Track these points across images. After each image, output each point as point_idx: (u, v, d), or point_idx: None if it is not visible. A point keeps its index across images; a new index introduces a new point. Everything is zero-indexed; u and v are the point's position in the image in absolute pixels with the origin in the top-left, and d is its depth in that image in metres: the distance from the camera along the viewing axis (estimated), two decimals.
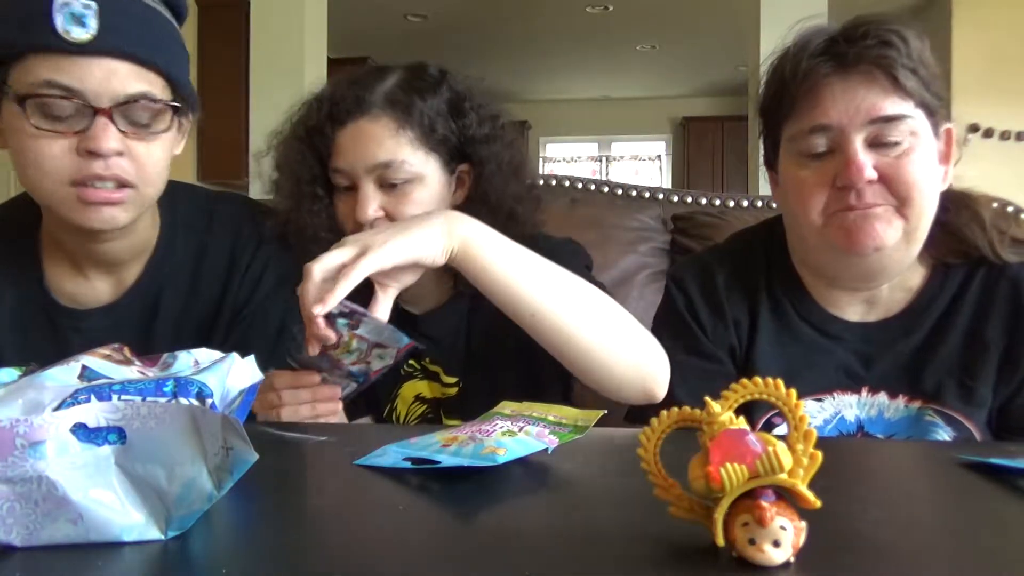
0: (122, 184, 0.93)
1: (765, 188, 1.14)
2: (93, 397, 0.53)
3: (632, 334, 0.93)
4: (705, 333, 1.03)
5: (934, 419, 0.95)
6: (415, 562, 0.44)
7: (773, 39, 0.98)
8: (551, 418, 0.73)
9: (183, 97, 0.97)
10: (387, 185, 1.06)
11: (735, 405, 0.43)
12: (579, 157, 10.60)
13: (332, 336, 0.84)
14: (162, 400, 0.57)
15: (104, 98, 0.89)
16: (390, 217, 1.07)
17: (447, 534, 0.50)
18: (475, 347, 1.16)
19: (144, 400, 0.55)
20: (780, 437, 0.42)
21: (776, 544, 0.40)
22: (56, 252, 1.04)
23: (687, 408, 0.43)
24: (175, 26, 0.98)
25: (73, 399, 0.53)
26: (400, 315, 1.20)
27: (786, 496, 0.41)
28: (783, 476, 0.40)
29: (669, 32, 7.27)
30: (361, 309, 0.85)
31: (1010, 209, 1.30)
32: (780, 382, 0.42)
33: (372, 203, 1.06)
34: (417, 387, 1.18)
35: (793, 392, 0.42)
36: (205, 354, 0.70)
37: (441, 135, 1.08)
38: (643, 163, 10.45)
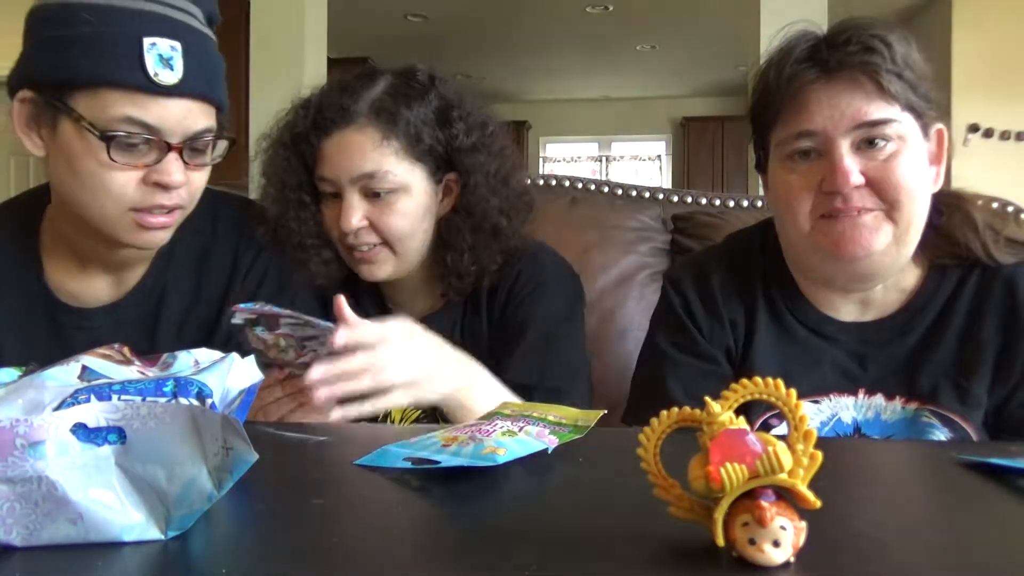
0: (174, 207, 0.97)
1: (763, 188, 1.14)
2: (93, 397, 0.53)
3: None
4: (702, 334, 1.03)
5: (931, 420, 0.95)
6: (415, 562, 0.44)
7: (771, 38, 0.98)
8: (551, 418, 0.73)
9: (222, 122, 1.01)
10: (372, 195, 1.06)
11: (735, 405, 0.43)
12: (579, 157, 10.60)
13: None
14: (162, 400, 0.57)
15: (177, 135, 0.93)
16: (374, 226, 1.07)
17: (447, 534, 0.50)
18: (468, 352, 1.17)
19: (144, 400, 0.55)
20: (780, 437, 0.42)
21: (776, 544, 0.40)
22: (60, 250, 1.04)
23: (687, 408, 0.43)
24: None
25: (73, 399, 0.53)
26: None
27: (786, 496, 0.41)
28: (783, 476, 0.40)
29: (669, 32, 7.27)
30: (276, 310, 0.85)
31: (1010, 209, 1.30)
32: (780, 382, 0.42)
33: (356, 213, 1.06)
34: None
35: (793, 392, 0.42)
36: (205, 354, 0.70)
37: (427, 145, 1.08)
38: (643, 163, 10.45)
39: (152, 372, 0.65)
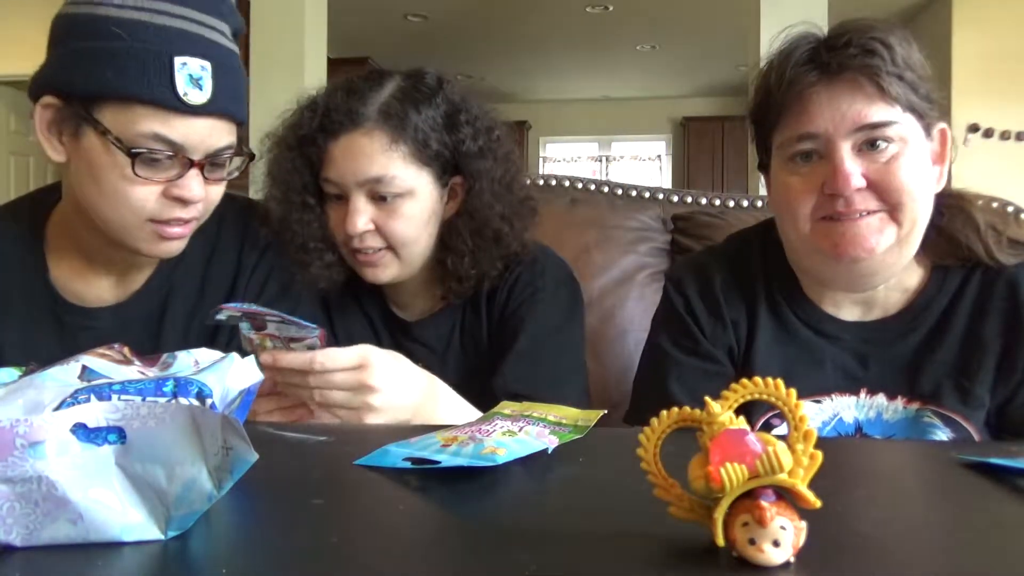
0: (191, 219, 0.98)
1: (765, 188, 1.14)
2: (93, 397, 0.53)
3: None
4: (703, 334, 1.03)
5: (932, 420, 0.95)
6: (415, 562, 0.44)
7: (772, 39, 0.98)
8: (551, 418, 0.73)
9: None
10: (378, 199, 1.06)
11: (735, 405, 0.43)
12: (579, 157, 10.61)
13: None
14: (162, 400, 0.57)
15: (199, 152, 0.94)
16: (380, 230, 1.07)
17: (447, 534, 0.50)
18: (468, 354, 1.17)
19: (144, 400, 0.55)
20: (780, 437, 0.42)
21: (776, 544, 0.40)
22: (66, 250, 1.04)
23: (687, 408, 0.43)
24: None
25: (73, 399, 0.53)
26: (393, 321, 1.20)
27: (786, 496, 0.41)
28: (783, 476, 0.40)
29: (669, 32, 7.27)
30: (263, 310, 0.85)
31: (1010, 209, 1.30)
32: (780, 382, 0.42)
33: (362, 216, 1.06)
34: None
35: (793, 392, 0.42)
36: (205, 354, 0.70)
37: (434, 149, 1.08)
38: (643, 163, 10.45)
39: (152, 372, 0.65)
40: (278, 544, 0.46)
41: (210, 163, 0.96)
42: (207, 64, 0.91)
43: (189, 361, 0.68)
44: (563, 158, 10.57)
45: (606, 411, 0.76)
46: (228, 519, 0.49)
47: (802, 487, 0.40)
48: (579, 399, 1.09)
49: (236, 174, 1.02)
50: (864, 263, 0.92)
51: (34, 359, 0.65)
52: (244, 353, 0.81)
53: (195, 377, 0.60)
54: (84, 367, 0.60)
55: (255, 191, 1.15)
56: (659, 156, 10.41)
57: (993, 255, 0.95)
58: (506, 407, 0.80)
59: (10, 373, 0.63)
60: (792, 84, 0.91)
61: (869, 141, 0.89)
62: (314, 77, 4.51)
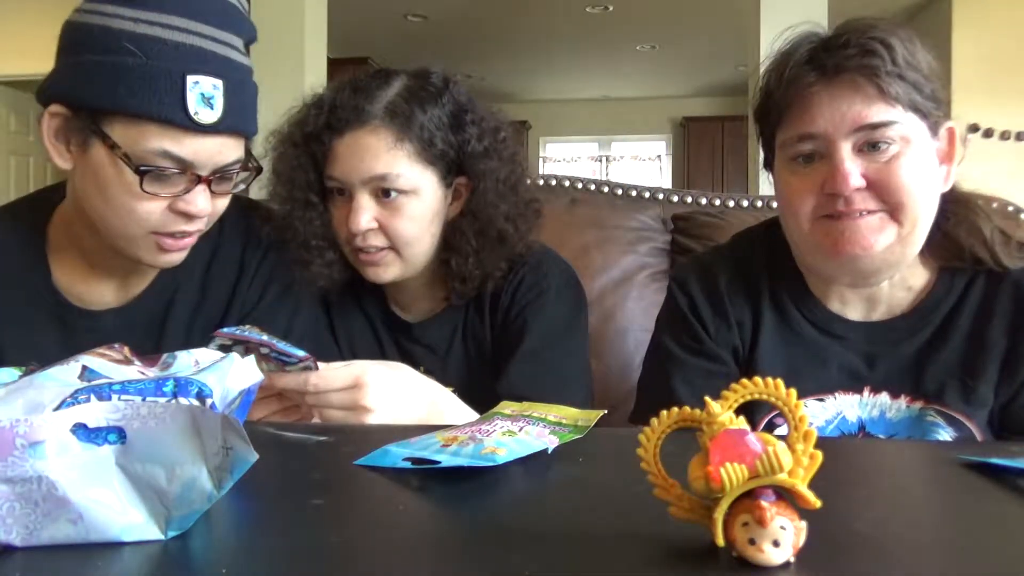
0: (195, 231, 0.98)
1: (765, 188, 1.14)
2: (93, 397, 0.53)
3: None
4: (708, 334, 1.03)
5: (935, 419, 0.95)
6: (415, 562, 0.44)
7: (773, 39, 0.98)
8: (551, 418, 0.73)
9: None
10: (382, 197, 1.06)
11: (735, 405, 0.43)
12: (579, 157, 10.61)
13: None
14: (162, 400, 0.57)
15: (208, 168, 0.94)
16: (383, 228, 1.07)
17: (447, 534, 0.50)
18: (470, 355, 1.16)
19: (144, 400, 0.55)
20: (780, 437, 0.42)
21: (776, 544, 0.40)
22: (69, 253, 1.04)
23: (687, 408, 0.43)
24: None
25: (73, 399, 0.53)
26: (395, 322, 1.20)
27: (786, 496, 0.41)
28: (783, 476, 0.40)
29: (669, 32, 7.27)
30: (255, 338, 0.85)
31: (1010, 209, 1.30)
32: (780, 382, 0.42)
33: (366, 214, 1.06)
34: None
35: (793, 392, 0.42)
36: (205, 354, 0.70)
37: (440, 149, 1.08)
38: (643, 163, 10.45)
39: (152, 372, 0.65)
40: (278, 544, 0.46)
41: (218, 179, 0.96)
42: (219, 83, 0.91)
43: (189, 361, 0.68)
44: (563, 158, 10.57)
45: (606, 411, 0.76)
46: (228, 519, 0.49)
47: (802, 487, 0.40)
48: (583, 401, 1.09)
49: (243, 187, 1.03)
50: (864, 261, 0.92)
51: (36, 361, 0.65)
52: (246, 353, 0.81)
53: (195, 377, 0.60)
54: (84, 367, 0.60)
55: (258, 189, 1.15)
56: (659, 156, 10.41)
57: (1000, 261, 0.95)
58: (506, 407, 0.80)
59: (10, 373, 0.63)
60: (792, 84, 0.92)
61: (869, 142, 0.89)
62: (314, 77, 4.51)
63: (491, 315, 1.15)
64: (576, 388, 1.11)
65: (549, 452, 0.64)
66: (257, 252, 1.10)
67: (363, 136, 1.05)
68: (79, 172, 0.95)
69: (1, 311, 1.01)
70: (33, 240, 1.04)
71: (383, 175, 1.04)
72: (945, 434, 0.95)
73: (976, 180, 1.01)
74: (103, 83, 0.88)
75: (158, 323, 1.06)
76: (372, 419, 0.87)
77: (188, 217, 0.95)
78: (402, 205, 1.06)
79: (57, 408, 0.51)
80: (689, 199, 1.63)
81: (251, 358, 0.70)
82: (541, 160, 10.38)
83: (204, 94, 0.90)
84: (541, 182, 1.66)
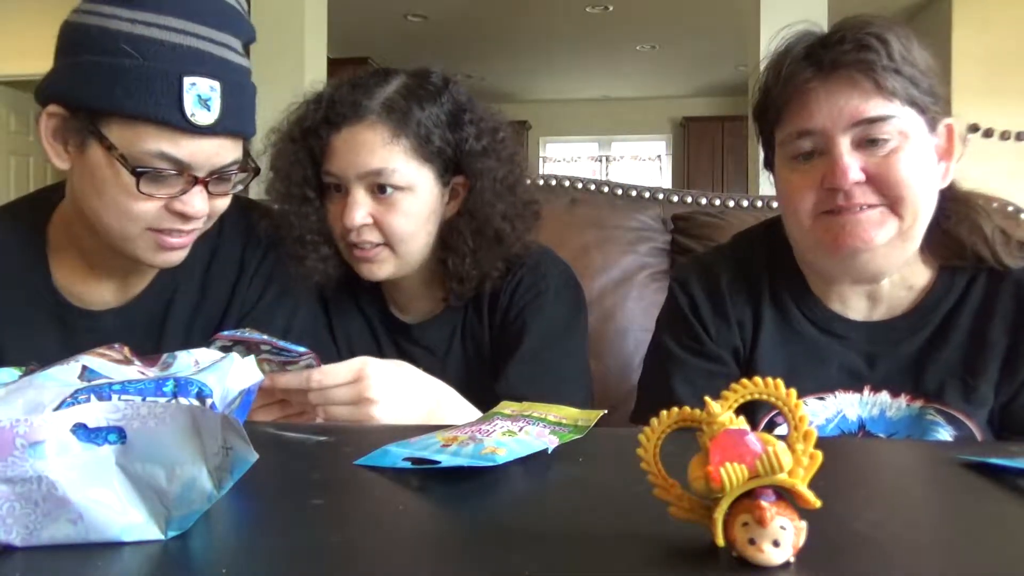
0: (193, 230, 0.98)
1: (765, 188, 1.14)
2: (93, 397, 0.53)
3: None
4: (709, 334, 1.03)
5: (935, 418, 0.95)
6: (415, 562, 0.44)
7: (771, 39, 0.99)
8: (551, 418, 0.73)
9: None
10: (378, 193, 1.06)
11: (735, 405, 0.43)
12: (579, 157, 10.61)
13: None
14: (162, 400, 0.57)
15: (205, 169, 0.94)
16: (378, 224, 1.07)
17: (447, 534, 0.50)
18: (469, 356, 1.16)
19: (144, 400, 0.55)
20: (780, 437, 0.42)
21: (776, 544, 0.40)
22: (68, 253, 1.04)
23: (687, 408, 0.43)
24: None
25: (73, 399, 0.53)
26: (393, 324, 1.20)
27: (786, 496, 0.41)
28: (783, 476, 0.40)
29: (669, 32, 7.27)
30: (255, 337, 0.85)
31: (1010, 209, 1.30)
32: (780, 382, 0.42)
33: (361, 209, 1.06)
34: None
35: (793, 392, 0.42)
36: (205, 354, 0.70)
37: (437, 147, 1.08)
38: (643, 163, 10.45)
39: (152, 372, 0.65)
40: (278, 544, 0.46)
41: (215, 180, 0.96)
42: (216, 84, 0.91)
43: (189, 361, 0.68)
44: (563, 158, 10.56)
45: (606, 411, 0.76)
46: (228, 519, 0.49)
47: (802, 487, 0.40)
48: (583, 401, 1.09)
49: (241, 187, 1.03)
50: (864, 255, 0.92)
51: (36, 361, 0.65)
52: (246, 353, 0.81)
53: (195, 377, 0.60)
54: (84, 367, 0.60)
55: (257, 188, 1.15)
56: (659, 156, 10.41)
57: (1001, 260, 0.95)
58: (506, 407, 0.80)
59: (10, 373, 0.63)
60: (789, 81, 0.92)
61: (867, 136, 0.89)
62: (314, 77, 4.51)
63: (490, 316, 1.15)
64: (575, 388, 1.11)
65: (549, 452, 0.64)
66: (257, 252, 1.10)
67: (360, 131, 1.05)
68: (77, 172, 0.95)
69: (1, 311, 1.01)
70: (33, 240, 1.04)
71: (378, 170, 1.05)
72: (945, 433, 0.95)
73: (976, 180, 1.01)
74: (100, 84, 0.88)
75: (158, 323, 1.06)
76: (376, 411, 0.87)
77: (185, 218, 0.95)
78: (397, 201, 1.06)
79: (57, 408, 0.51)
80: (689, 199, 1.63)
81: (251, 358, 0.70)
82: (541, 160, 10.37)
83: (201, 95, 0.90)
84: (541, 182, 1.66)
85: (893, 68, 0.88)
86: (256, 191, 1.17)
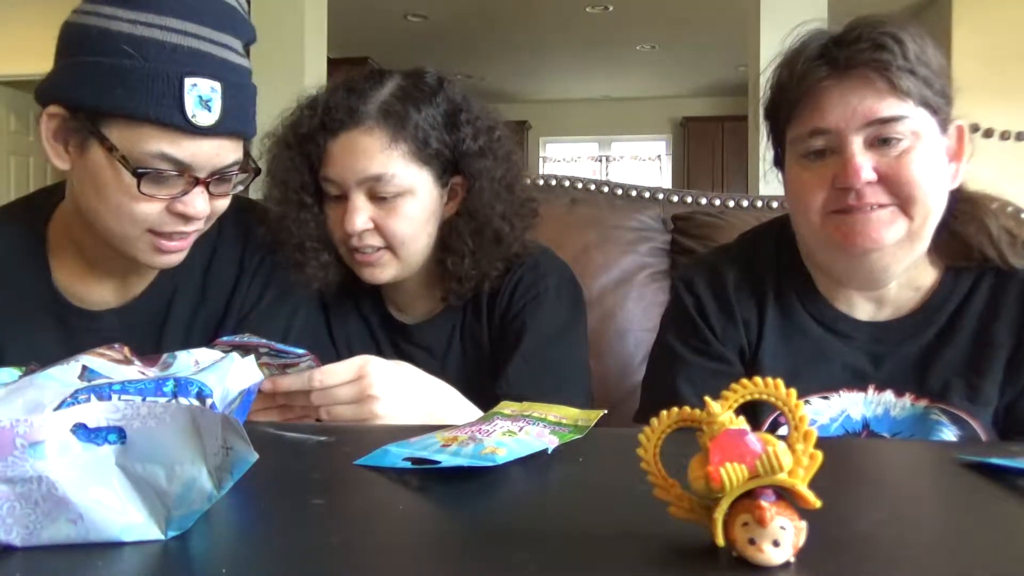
0: (193, 232, 0.98)
1: (765, 188, 1.14)
2: (93, 397, 0.53)
3: None
4: (714, 334, 1.03)
5: (939, 418, 0.95)
6: (415, 562, 0.44)
7: (773, 39, 0.99)
8: (551, 418, 0.73)
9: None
10: (377, 197, 1.06)
11: (735, 405, 0.43)
12: (579, 157, 10.61)
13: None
14: (162, 400, 0.57)
15: (206, 170, 0.94)
16: (379, 229, 1.07)
17: (447, 534, 0.50)
18: (468, 357, 1.16)
19: (144, 400, 0.55)
20: (781, 437, 0.42)
21: (776, 544, 0.40)
22: (68, 253, 1.04)
23: (687, 408, 0.43)
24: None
25: (73, 399, 0.53)
26: (392, 324, 1.20)
27: (786, 496, 0.41)
28: (783, 476, 0.40)
29: (669, 32, 7.27)
30: (255, 341, 0.86)
31: (1009, 209, 1.30)
32: (780, 382, 0.42)
33: (361, 215, 1.05)
34: None
35: (793, 392, 0.42)
36: (205, 354, 0.70)
37: (435, 148, 1.07)
38: (643, 163, 10.45)
39: (152, 372, 0.65)
40: (278, 544, 0.46)
41: (216, 181, 0.96)
42: (217, 85, 0.91)
43: (189, 361, 0.69)
44: (563, 158, 10.56)
45: (606, 411, 0.76)
46: (228, 519, 0.49)
47: (802, 487, 0.40)
48: (583, 401, 1.09)
49: (241, 188, 1.03)
50: (875, 255, 0.92)
51: (36, 361, 0.65)
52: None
53: (195, 377, 0.60)
54: (84, 367, 0.60)
55: (256, 190, 1.15)
56: (659, 156, 10.41)
57: (1007, 260, 0.95)
58: (506, 407, 0.80)
59: (10, 373, 0.63)
60: (803, 80, 0.92)
61: (880, 136, 0.89)
62: (314, 77, 4.51)
63: (489, 316, 1.15)
64: (575, 388, 1.11)
65: (549, 452, 0.64)
66: (257, 252, 1.10)
67: (357, 137, 1.05)
68: (77, 173, 0.95)
69: (1, 311, 1.01)
70: (33, 240, 1.04)
71: (378, 175, 1.04)
72: (949, 433, 0.95)
73: (985, 181, 1.01)
74: (101, 85, 0.88)
75: (158, 323, 1.06)
76: (379, 408, 0.87)
77: (186, 218, 0.95)
78: (397, 205, 1.06)
79: (57, 408, 0.51)
80: (689, 199, 1.63)
81: (251, 358, 0.70)
82: (541, 160, 10.37)
83: (202, 96, 0.90)
84: (541, 182, 1.66)
85: (908, 68, 0.88)
86: (255, 194, 1.17)
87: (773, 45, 1.00)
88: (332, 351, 1.15)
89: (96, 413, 0.44)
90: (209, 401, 0.60)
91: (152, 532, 0.44)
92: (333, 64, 5.11)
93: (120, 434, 0.44)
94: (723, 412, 0.42)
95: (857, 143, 0.89)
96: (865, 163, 0.88)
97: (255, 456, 0.44)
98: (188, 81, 0.89)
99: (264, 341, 0.86)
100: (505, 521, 0.52)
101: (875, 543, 0.46)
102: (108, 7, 0.89)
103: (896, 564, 0.44)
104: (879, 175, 0.89)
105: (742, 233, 1.15)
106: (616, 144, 10.55)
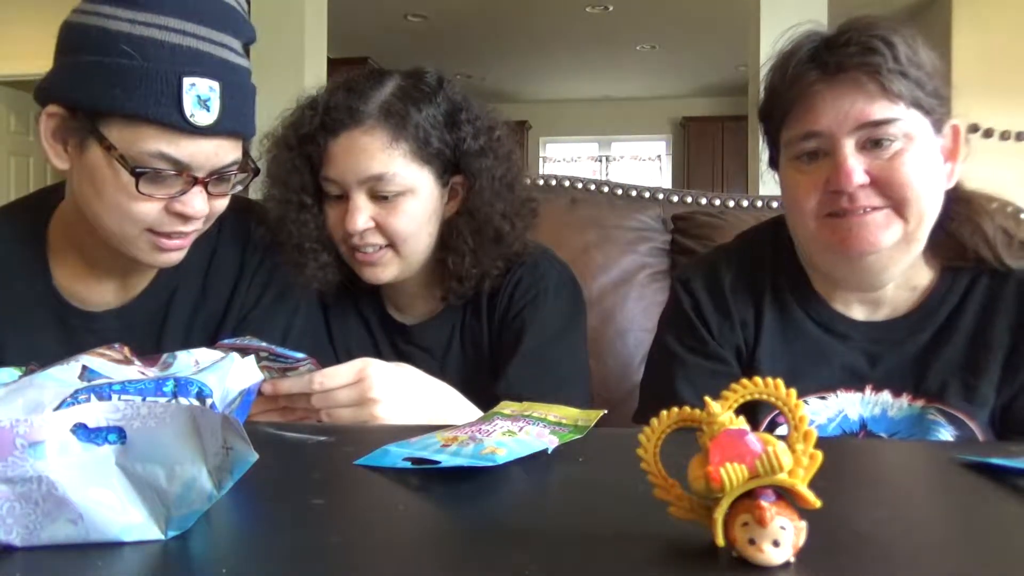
0: (192, 231, 0.98)
1: (765, 188, 1.14)
2: (93, 397, 0.53)
3: None
4: (712, 334, 1.03)
5: (937, 418, 0.95)
6: (415, 562, 0.44)
7: (773, 39, 0.99)
8: (551, 418, 0.73)
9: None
10: (379, 197, 1.06)
11: (735, 405, 0.43)
12: (579, 157, 10.60)
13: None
14: (162, 400, 0.57)
15: (205, 170, 0.94)
16: (380, 228, 1.07)
17: (447, 534, 0.50)
18: (468, 357, 1.16)
19: (144, 400, 0.55)
20: (781, 437, 0.42)
21: (776, 544, 0.40)
22: (68, 253, 1.04)
23: (687, 408, 0.43)
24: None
25: (73, 399, 0.53)
26: (391, 325, 1.20)
27: (786, 496, 0.41)
28: (783, 476, 0.40)
29: (669, 32, 7.27)
30: (255, 344, 0.86)
31: (1009, 209, 1.30)
32: (780, 382, 0.42)
33: (363, 214, 1.05)
34: None
35: (793, 392, 0.42)
36: (205, 354, 0.70)
37: (435, 148, 1.08)
38: (643, 163, 10.45)
39: (152, 372, 0.65)
40: (278, 544, 0.46)
41: (215, 179, 0.96)
42: (215, 84, 0.91)
43: (189, 361, 0.69)
44: (563, 158, 10.56)
45: (606, 411, 0.76)
46: (228, 519, 0.49)
47: (802, 487, 0.40)
48: (583, 401, 1.09)
49: (240, 188, 1.03)
50: (872, 258, 0.92)
51: (36, 362, 0.65)
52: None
53: (195, 377, 0.60)
54: (84, 367, 0.60)
55: (256, 190, 1.15)
56: (659, 156, 10.41)
57: (1003, 260, 0.95)
58: (506, 407, 0.80)
59: (10, 373, 0.63)
60: (795, 83, 0.92)
61: (872, 139, 0.89)
62: (314, 77, 4.51)
63: (489, 316, 1.15)
64: (575, 388, 1.11)
65: (549, 452, 0.64)
66: (257, 252, 1.10)
67: (358, 136, 1.05)
68: (76, 173, 0.95)
69: (1, 312, 1.01)
70: (33, 241, 1.04)
71: (379, 175, 1.04)
72: (946, 433, 0.95)
73: (983, 180, 1.01)
74: (100, 84, 0.88)
75: (158, 324, 1.06)
76: (380, 411, 0.87)
77: (184, 218, 0.95)
78: (399, 204, 1.06)
79: (57, 408, 0.51)
80: (689, 199, 1.63)
81: (251, 358, 0.70)
82: (541, 160, 10.37)
83: (200, 96, 0.90)
84: (541, 182, 1.65)
85: (899, 71, 0.88)
86: (255, 194, 1.17)
87: (773, 45, 1.00)
88: (331, 351, 1.15)
89: (96, 413, 0.44)
90: (209, 401, 0.60)
91: (152, 532, 0.44)
92: (333, 64, 5.10)
93: (120, 434, 0.44)
94: (723, 412, 0.42)
95: (849, 146, 0.89)
96: (857, 166, 0.89)
97: (255, 456, 0.44)
98: (187, 81, 0.89)
99: (264, 345, 0.86)
100: (505, 521, 0.52)
101: (875, 543, 0.46)
102: (107, 7, 0.89)
103: (896, 564, 0.44)
104: (871, 178, 0.89)
105: (739, 233, 1.15)
106: (616, 144, 10.54)
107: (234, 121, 0.94)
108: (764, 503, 0.40)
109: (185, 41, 0.90)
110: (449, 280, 1.12)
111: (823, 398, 0.98)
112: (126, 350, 0.68)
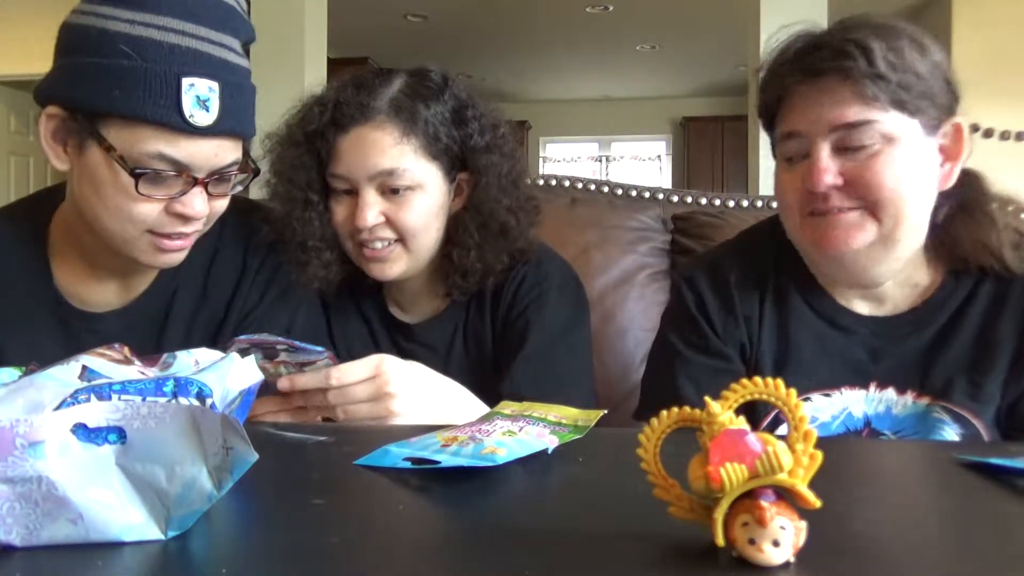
0: (192, 232, 0.98)
1: (765, 188, 1.14)
2: (93, 397, 0.53)
3: None
4: (715, 332, 1.03)
5: (941, 416, 0.95)
6: (415, 562, 0.44)
7: (768, 38, 1.00)
8: (551, 418, 0.73)
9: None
10: (388, 192, 1.06)
11: (735, 405, 0.43)
12: (579, 157, 10.61)
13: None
14: (162, 400, 0.57)
15: (204, 170, 0.94)
16: (390, 223, 1.07)
17: (447, 534, 0.50)
18: (471, 356, 1.16)
19: (144, 400, 0.55)
20: (781, 437, 0.42)
21: (776, 544, 0.40)
22: (69, 254, 1.04)
23: (687, 408, 0.43)
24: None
25: (73, 399, 0.53)
26: (393, 324, 1.20)
27: (786, 496, 0.41)
28: (783, 476, 0.40)
29: (669, 32, 7.27)
30: (273, 339, 0.86)
31: (1010, 209, 1.30)
32: (780, 382, 0.42)
33: (373, 209, 1.06)
34: None
35: (793, 392, 0.42)
36: (205, 354, 0.70)
37: (444, 144, 1.08)
38: (643, 163, 10.45)
39: (152, 372, 0.65)
40: (278, 544, 0.46)
41: (214, 180, 0.96)
42: (215, 85, 0.91)
43: (189, 361, 0.69)
44: (563, 158, 10.56)
45: (606, 411, 0.76)
46: (228, 519, 0.49)
47: (802, 487, 0.40)
48: (587, 400, 1.09)
49: (240, 188, 1.03)
50: (848, 257, 0.93)
51: (36, 362, 0.65)
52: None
53: (195, 377, 0.60)
54: (84, 367, 0.60)
55: (258, 190, 1.15)
56: (659, 156, 10.41)
57: (1007, 266, 0.95)
58: (506, 407, 0.80)
59: (10, 373, 0.63)
60: (779, 83, 0.94)
61: (848, 142, 0.90)
62: (314, 77, 4.51)
63: (492, 314, 1.16)
64: (579, 387, 1.11)
65: (549, 452, 0.64)
66: (258, 253, 1.10)
67: (369, 132, 1.05)
68: (76, 173, 0.95)
69: (2, 312, 1.01)
70: (34, 242, 1.04)
71: (390, 170, 1.05)
72: (951, 431, 0.95)
73: (1004, 183, 1.01)
74: (99, 85, 0.88)
75: (159, 324, 1.06)
76: (396, 405, 0.87)
77: (184, 219, 0.95)
78: (408, 199, 1.07)
79: (57, 408, 0.51)
80: (689, 199, 1.63)
81: (251, 358, 0.70)
82: (541, 160, 10.37)
83: (200, 96, 0.90)
84: (541, 182, 1.66)
85: (873, 75, 0.88)
86: (256, 194, 1.17)
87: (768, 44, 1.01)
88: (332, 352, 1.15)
89: (96, 413, 0.44)
90: (209, 401, 0.60)
91: (152, 532, 0.44)
92: (333, 64, 5.11)
93: (120, 434, 0.44)
94: (723, 412, 0.42)
95: (824, 148, 0.91)
96: (830, 167, 0.90)
97: (255, 456, 0.44)
98: (186, 81, 0.89)
99: (283, 339, 0.86)
100: (505, 521, 0.52)
101: (875, 543, 0.46)
102: (106, 7, 0.89)
103: (896, 564, 0.44)
104: (845, 179, 0.90)
105: (742, 230, 1.15)
106: (616, 144, 10.54)
107: (234, 121, 0.94)
108: (764, 503, 0.40)
109: (184, 41, 0.90)
110: (453, 275, 1.13)
111: (827, 395, 0.98)
112: (126, 350, 0.68)
